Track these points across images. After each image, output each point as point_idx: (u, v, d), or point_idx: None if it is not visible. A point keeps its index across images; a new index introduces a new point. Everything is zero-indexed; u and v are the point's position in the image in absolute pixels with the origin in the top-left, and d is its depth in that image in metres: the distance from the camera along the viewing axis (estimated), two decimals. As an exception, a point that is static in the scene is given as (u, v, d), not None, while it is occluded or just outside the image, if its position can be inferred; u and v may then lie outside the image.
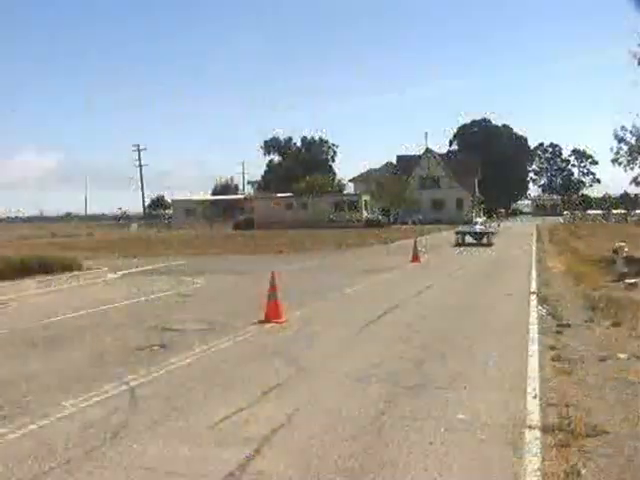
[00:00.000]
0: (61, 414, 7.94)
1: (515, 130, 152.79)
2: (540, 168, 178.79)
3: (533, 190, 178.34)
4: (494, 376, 9.36)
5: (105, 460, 6.41)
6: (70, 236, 64.56)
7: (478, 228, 45.64)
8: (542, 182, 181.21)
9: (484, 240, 42.82)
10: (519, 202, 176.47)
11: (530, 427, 7.17)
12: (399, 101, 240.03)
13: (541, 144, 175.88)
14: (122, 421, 7.60)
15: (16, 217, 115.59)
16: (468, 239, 43.50)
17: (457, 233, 44.91)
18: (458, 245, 42.27)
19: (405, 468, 6.09)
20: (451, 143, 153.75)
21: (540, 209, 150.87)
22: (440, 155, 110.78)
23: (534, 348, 11.06)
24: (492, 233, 45.30)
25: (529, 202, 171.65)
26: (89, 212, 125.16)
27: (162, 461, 6.36)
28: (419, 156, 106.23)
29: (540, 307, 15.18)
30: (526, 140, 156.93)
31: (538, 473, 5.95)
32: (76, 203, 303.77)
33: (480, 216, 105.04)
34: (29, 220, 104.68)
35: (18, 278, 21.44)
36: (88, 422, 7.59)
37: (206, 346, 11.60)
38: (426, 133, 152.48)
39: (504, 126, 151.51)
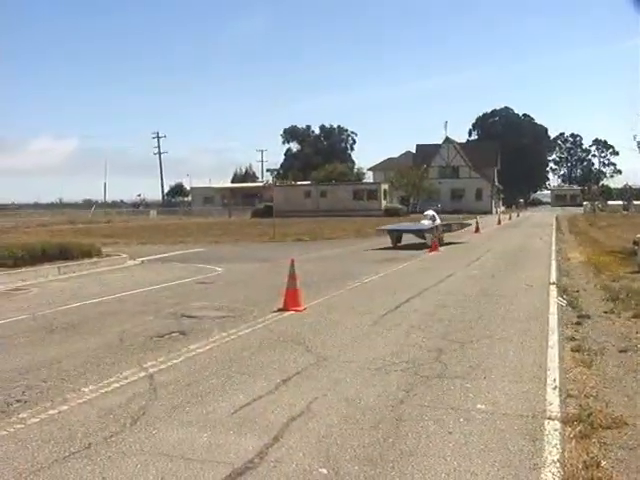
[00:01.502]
0: (81, 400, 7.98)
1: (535, 120, 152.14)
2: (560, 158, 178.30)
3: (553, 180, 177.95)
4: (514, 366, 9.32)
5: (125, 446, 6.44)
6: (89, 223, 64.86)
7: (426, 224, 32.82)
8: (562, 172, 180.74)
9: (427, 240, 31.34)
10: (539, 192, 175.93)
11: (550, 418, 7.14)
12: (419, 91, 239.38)
13: (561, 134, 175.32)
14: (141, 407, 7.63)
15: (35, 203, 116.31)
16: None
17: (390, 232, 33.54)
18: (391, 248, 31.44)
19: (424, 457, 6.08)
20: (471, 133, 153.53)
21: (560, 199, 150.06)
22: (460, 144, 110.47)
23: (554, 339, 11.01)
24: (445, 229, 35.22)
25: (549, 192, 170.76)
26: (108, 199, 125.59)
27: (181, 448, 6.38)
28: (439, 145, 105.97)
29: (560, 298, 15.11)
30: (546, 130, 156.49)
31: (557, 464, 5.92)
32: (95, 190, 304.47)
33: (499, 205, 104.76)
34: (49, 207, 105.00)
35: (38, 264, 21.61)
36: (108, 408, 7.62)
37: (225, 333, 11.62)
38: (446, 122, 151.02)
39: (524, 115, 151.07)
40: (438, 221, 33.39)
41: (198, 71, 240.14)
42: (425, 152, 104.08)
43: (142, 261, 26.13)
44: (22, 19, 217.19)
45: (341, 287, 17.26)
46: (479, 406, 7.56)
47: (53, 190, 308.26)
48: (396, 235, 32.91)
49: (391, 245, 31.83)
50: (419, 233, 32.81)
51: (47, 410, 7.60)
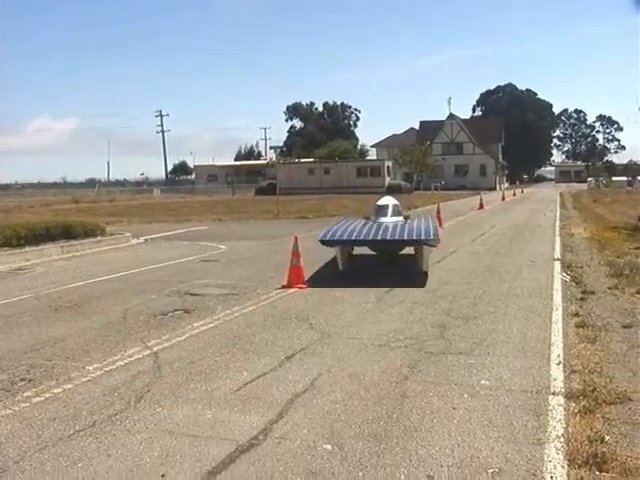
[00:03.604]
0: (85, 378, 7.99)
1: (539, 95, 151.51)
2: (564, 134, 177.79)
3: (557, 156, 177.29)
4: (517, 342, 9.31)
5: (129, 423, 6.45)
6: (93, 202, 64.85)
7: (390, 221, 16.33)
8: (566, 148, 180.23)
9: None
10: (543, 168, 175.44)
11: (554, 393, 7.14)
12: (423, 67, 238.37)
13: (565, 110, 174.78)
14: (146, 385, 7.65)
15: (39, 183, 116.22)
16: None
17: (335, 245, 15.29)
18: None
19: (428, 433, 6.09)
20: (475, 109, 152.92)
21: (564, 175, 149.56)
22: (463, 121, 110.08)
23: (558, 314, 11.00)
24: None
25: (553, 168, 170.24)
26: (111, 178, 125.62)
27: (186, 425, 6.39)
28: (442, 122, 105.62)
29: (564, 274, 15.09)
30: (551, 106, 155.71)
31: (561, 439, 5.92)
32: (98, 169, 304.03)
33: (503, 182, 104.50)
34: (52, 186, 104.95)
35: (42, 244, 21.61)
36: (112, 386, 7.64)
37: (229, 311, 11.63)
38: (449, 99, 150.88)
39: (528, 91, 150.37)
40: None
41: (201, 49, 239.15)
42: (429, 128, 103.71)
43: (146, 240, 26.14)
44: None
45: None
46: (483, 382, 7.56)
47: (56, 169, 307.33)
48: (348, 250, 16.05)
49: (340, 268, 15.37)
50: (391, 245, 15.51)
51: (52, 389, 7.62)
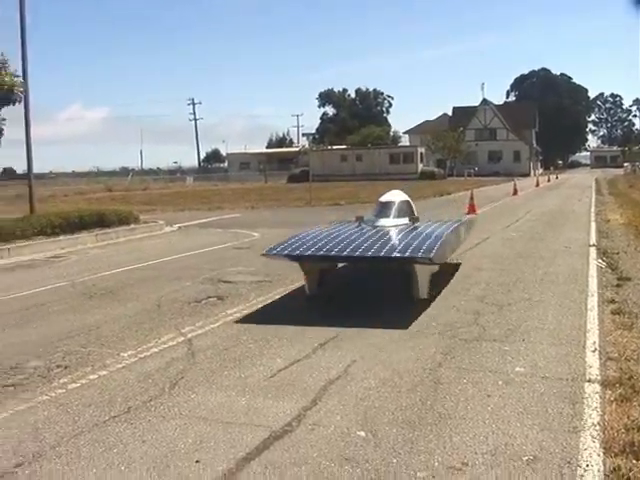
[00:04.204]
0: (120, 365, 8.05)
1: (574, 80, 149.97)
2: (599, 119, 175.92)
3: (592, 141, 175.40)
4: (552, 329, 9.24)
5: (164, 410, 6.48)
6: (126, 190, 65.25)
7: (390, 226, 12.45)
8: (602, 133, 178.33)
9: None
10: (578, 154, 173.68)
11: (589, 381, 7.07)
12: (456, 52, 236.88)
13: (601, 94, 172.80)
14: (180, 372, 7.68)
15: (73, 172, 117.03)
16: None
17: (302, 261, 11.23)
18: None
19: (463, 420, 6.05)
20: (508, 94, 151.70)
21: (599, 161, 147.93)
22: (497, 106, 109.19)
23: (593, 301, 10.89)
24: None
25: (588, 154, 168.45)
26: (145, 166, 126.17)
27: (220, 411, 6.41)
28: (475, 107, 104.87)
29: (599, 260, 14.93)
30: (586, 90, 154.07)
31: (597, 427, 5.86)
32: (131, 158, 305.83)
33: (537, 168, 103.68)
34: (86, 175, 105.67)
35: (76, 232, 21.79)
36: (146, 373, 7.68)
37: (262, 298, 11.66)
38: (483, 84, 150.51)
39: (562, 75, 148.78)
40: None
41: (232, 36, 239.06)
42: (462, 114, 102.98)
43: (179, 227, 26.27)
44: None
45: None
46: (518, 369, 7.51)
47: (90, 158, 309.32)
48: (319, 268, 11.67)
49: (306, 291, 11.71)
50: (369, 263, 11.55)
51: (87, 375, 7.69)
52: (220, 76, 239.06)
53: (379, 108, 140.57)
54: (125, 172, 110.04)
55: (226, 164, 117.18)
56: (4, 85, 18.62)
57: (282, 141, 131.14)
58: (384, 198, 13.68)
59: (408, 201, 13.91)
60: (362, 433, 5.82)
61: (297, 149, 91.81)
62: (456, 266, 13.93)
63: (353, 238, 11.31)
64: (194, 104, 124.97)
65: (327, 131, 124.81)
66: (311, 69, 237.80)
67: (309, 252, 10.69)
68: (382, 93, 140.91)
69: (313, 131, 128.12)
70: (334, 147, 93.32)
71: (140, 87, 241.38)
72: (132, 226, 24.63)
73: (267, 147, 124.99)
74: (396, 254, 10.22)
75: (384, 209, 13.23)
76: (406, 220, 12.92)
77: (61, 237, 21.12)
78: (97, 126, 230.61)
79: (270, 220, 28.61)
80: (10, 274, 15.85)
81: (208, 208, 36.85)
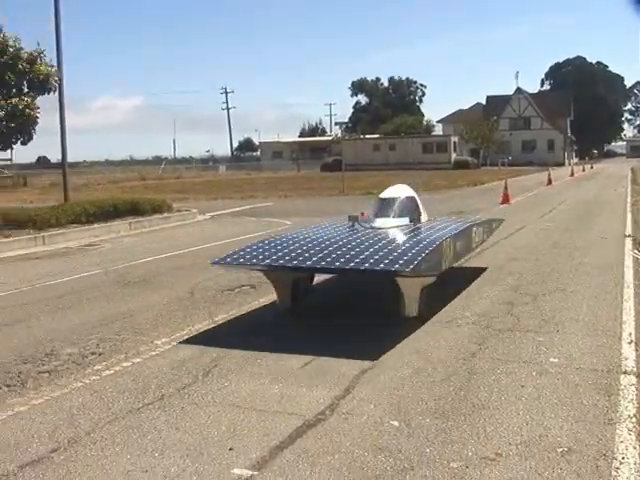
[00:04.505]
0: (154, 352, 8.10)
1: (610, 68, 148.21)
2: (636, 108, 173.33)
3: (628, 131, 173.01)
4: (587, 320, 9.16)
5: (197, 397, 6.51)
6: (159, 179, 65.58)
7: (386, 226, 10.71)
8: (638, 122, 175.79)
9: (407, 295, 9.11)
10: (613, 143, 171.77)
11: (625, 373, 6.99)
12: (489, 41, 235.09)
13: (638, 82, 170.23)
14: (213, 360, 7.70)
15: (106, 161, 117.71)
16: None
17: (272, 271, 9.55)
18: None
19: (497, 411, 6.01)
20: (543, 83, 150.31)
21: (635, 151, 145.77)
22: (531, 95, 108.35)
23: (629, 292, 10.77)
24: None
25: (624, 143, 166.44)
26: (177, 155, 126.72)
27: (253, 399, 6.42)
28: (509, 96, 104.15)
29: (636, 251, 14.77)
30: (622, 79, 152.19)
31: (634, 420, 5.80)
32: (164, 147, 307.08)
33: (572, 157, 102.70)
34: (119, 164, 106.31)
35: (110, 220, 21.95)
36: (180, 360, 7.72)
37: (295, 287, 11.66)
38: (517, 72, 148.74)
39: (598, 64, 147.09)
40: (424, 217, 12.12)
41: (263, 25, 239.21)
42: (495, 103, 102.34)
43: (212, 216, 26.36)
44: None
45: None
46: (552, 360, 7.45)
47: (123, 147, 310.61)
48: (292, 279, 9.81)
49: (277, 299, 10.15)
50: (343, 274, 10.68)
51: (121, 362, 7.73)
52: (253, 65, 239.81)
53: (412, 97, 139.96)
54: (158, 161, 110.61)
55: (258, 153, 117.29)
56: (40, 74, 18.77)
57: (314, 130, 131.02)
58: (385, 194, 11.83)
59: (413, 197, 11.99)
60: (395, 423, 5.80)
61: (330, 138, 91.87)
62: (480, 270, 13.07)
63: (330, 243, 9.46)
64: (227, 93, 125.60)
65: (360, 120, 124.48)
66: (344, 58, 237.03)
67: (266, 262, 9.04)
68: (415, 82, 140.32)
69: (346, 120, 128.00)
70: (367, 136, 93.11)
71: (173, 76, 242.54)
72: (165, 214, 24.77)
73: (299, 136, 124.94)
74: (367, 266, 8.32)
75: (383, 207, 11.40)
76: (406, 220, 11.01)
77: (95, 225, 21.29)
78: (130, 115, 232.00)
79: (303, 209, 28.61)
80: (45, 262, 15.99)
81: (241, 197, 36.93)
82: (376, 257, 8.53)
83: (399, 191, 11.95)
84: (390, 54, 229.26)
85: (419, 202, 12.03)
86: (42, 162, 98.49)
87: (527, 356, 7.61)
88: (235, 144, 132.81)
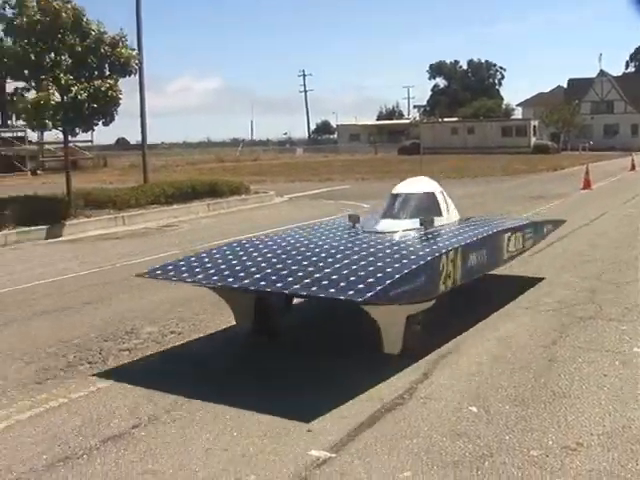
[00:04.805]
0: (226, 327, 8.31)
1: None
2: None
3: None
4: (673, 309, 8.93)
5: (276, 378, 6.55)
6: (237, 161, 66.06)
7: (389, 231, 8.64)
8: None
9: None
10: None
11: None
12: (571, 22, 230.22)
13: None
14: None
15: (184, 142, 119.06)
16: None
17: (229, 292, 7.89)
18: None
19: (578, 400, 5.90)
20: (627, 65, 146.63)
21: None
22: (615, 78, 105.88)
23: None
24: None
25: None
26: (255, 137, 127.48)
27: (332, 378, 6.44)
28: (592, 79, 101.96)
29: None
30: None
31: None
32: (242, 129, 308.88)
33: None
34: (197, 146, 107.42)
35: (188, 202, 22.22)
36: (258, 341, 7.78)
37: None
38: (600, 55, 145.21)
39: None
40: (445, 217, 9.66)
41: (343, 7, 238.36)
42: (578, 86, 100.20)
43: (289, 198, 26.46)
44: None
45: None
46: (636, 349, 7.28)
47: (201, 129, 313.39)
48: (257, 302, 7.99)
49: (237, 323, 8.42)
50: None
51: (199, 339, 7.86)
52: (331, 48, 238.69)
53: (491, 80, 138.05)
54: (235, 143, 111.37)
55: (335, 136, 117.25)
56: (121, 57, 19.03)
57: (392, 113, 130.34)
58: (397, 188, 9.68)
59: (432, 194, 9.69)
60: (474, 409, 5.74)
61: (407, 121, 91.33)
62: (559, 256, 12.89)
63: (301, 255, 7.73)
64: (304, 75, 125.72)
65: (438, 103, 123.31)
66: (422, 41, 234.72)
67: (199, 277, 7.41)
68: (494, 64, 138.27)
69: (424, 103, 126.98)
70: (445, 119, 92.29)
71: (251, 58, 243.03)
72: (243, 196, 24.97)
73: (377, 119, 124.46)
74: (314, 290, 6.51)
75: (393, 205, 9.35)
76: (416, 223, 8.84)
77: (174, 206, 21.60)
78: (208, 97, 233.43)
79: (380, 191, 28.33)
80: (125, 242, 16.28)
81: (318, 179, 36.95)
82: (340, 277, 6.66)
83: (416, 186, 9.83)
84: (469, 36, 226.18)
85: (442, 199, 9.79)
86: (121, 143, 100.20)
87: (610, 345, 7.45)
88: (312, 127, 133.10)
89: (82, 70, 18.79)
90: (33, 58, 18.01)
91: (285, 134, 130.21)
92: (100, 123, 19.47)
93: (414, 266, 6.86)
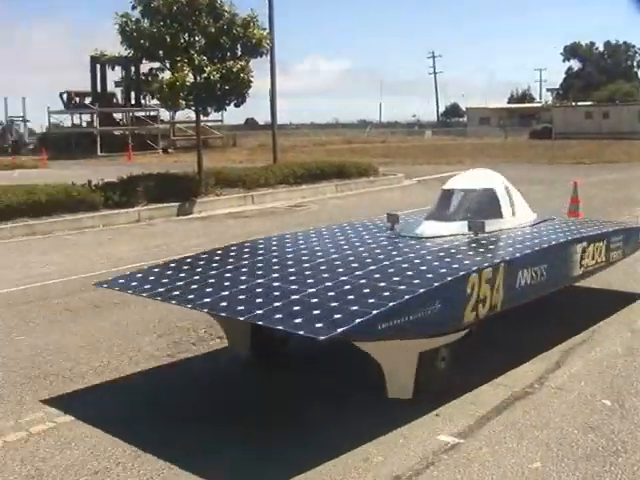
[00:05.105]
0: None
1: None
2: None
3: None
4: None
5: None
6: (364, 143, 66.10)
7: (430, 236, 7.19)
8: None
9: None
10: None
11: None
12: None
13: None
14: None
15: (312, 123, 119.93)
16: None
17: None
18: None
19: None
20: None
21: None
22: None
23: None
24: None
25: None
26: (383, 119, 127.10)
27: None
28: None
29: None
30: None
31: None
32: (370, 111, 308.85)
33: None
34: (324, 127, 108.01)
35: (317, 182, 22.38)
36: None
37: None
38: None
39: None
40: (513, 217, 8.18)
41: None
42: None
43: (418, 181, 26.27)
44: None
45: (626, 214, 16.30)
46: None
47: (329, 111, 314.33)
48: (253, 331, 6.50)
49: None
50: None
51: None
52: (461, 29, 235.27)
53: (629, 62, 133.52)
54: (363, 124, 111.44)
55: (465, 119, 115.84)
56: (253, 38, 19.23)
57: (523, 97, 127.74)
58: (450, 183, 8.32)
59: (492, 191, 8.08)
60: (607, 402, 5.57)
61: (539, 105, 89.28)
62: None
63: (297, 265, 6.41)
64: (434, 57, 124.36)
65: (571, 87, 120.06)
66: (555, 21, 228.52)
67: (159, 290, 6.04)
68: (634, 46, 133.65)
69: (557, 87, 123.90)
70: (579, 103, 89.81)
71: (381, 39, 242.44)
72: (371, 178, 24.97)
73: (507, 102, 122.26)
74: (271, 320, 5.03)
75: (442, 203, 7.96)
76: (465, 227, 7.34)
77: (303, 186, 21.78)
78: (337, 78, 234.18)
79: (509, 176, 27.62)
80: (254, 220, 16.54)
81: (447, 162, 36.53)
82: (322, 301, 5.25)
83: (473, 180, 8.37)
84: (607, 16, 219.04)
85: (505, 197, 8.23)
86: (250, 124, 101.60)
87: None
88: (441, 109, 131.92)
89: (215, 51, 19.12)
90: (168, 39, 18.42)
91: (414, 116, 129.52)
92: (232, 104, 19.76)
93: (422, 290, 5.34)
